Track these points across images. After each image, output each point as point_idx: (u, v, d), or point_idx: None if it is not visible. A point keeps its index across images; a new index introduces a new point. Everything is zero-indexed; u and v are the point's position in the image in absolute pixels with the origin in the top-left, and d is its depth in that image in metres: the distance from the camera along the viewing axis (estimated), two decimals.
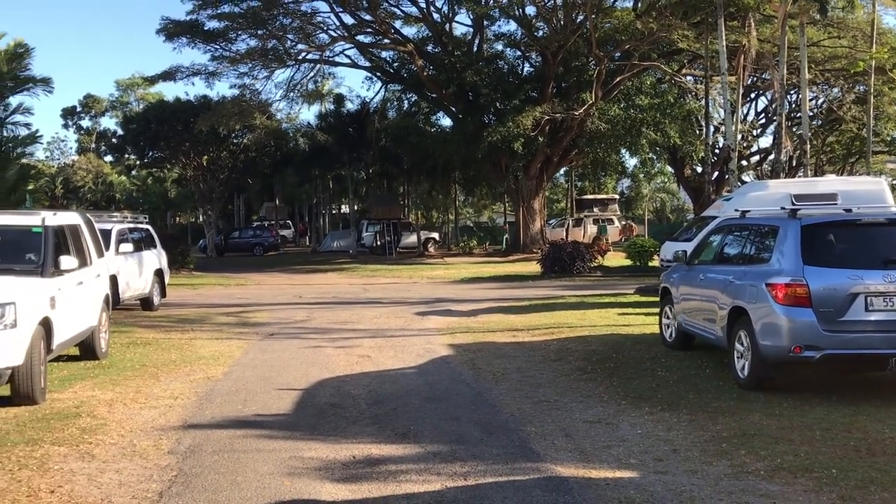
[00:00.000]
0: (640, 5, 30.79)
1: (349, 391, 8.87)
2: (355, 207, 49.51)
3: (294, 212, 68.47)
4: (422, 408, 8.02)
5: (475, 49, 38.34)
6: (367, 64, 40.37)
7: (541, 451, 6.44)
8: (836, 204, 9.24)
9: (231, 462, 6.24)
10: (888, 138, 35.33)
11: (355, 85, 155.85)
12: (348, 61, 40.01)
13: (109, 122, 76.27)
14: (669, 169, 47.04)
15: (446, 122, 42.50)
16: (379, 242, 43.83)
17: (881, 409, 7.34)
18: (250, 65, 36.52)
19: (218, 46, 36.54)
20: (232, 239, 48.62)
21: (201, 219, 54.47)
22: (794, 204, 8.72)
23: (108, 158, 72.83)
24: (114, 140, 66.02)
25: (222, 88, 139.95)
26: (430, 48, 39.44)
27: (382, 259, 39.34)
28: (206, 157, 44.31)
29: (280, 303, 19.40)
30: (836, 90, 36.14)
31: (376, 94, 44.68)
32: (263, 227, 52.88)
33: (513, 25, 37.84)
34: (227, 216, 63.54)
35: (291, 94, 39.50)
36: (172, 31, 35.28)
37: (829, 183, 14.97)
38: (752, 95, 40.16)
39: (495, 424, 7.34)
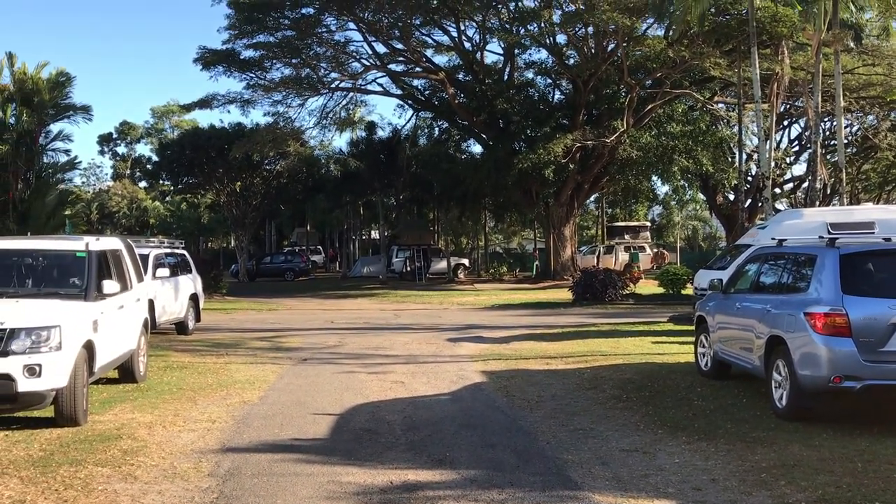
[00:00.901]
0: (671, 34, 30.82)
1: (384, 417, 8.91)
2: (385, 233, 49.70)
3: (325, 237, 68.94)
4: (457, 434, 8.04)
5: (506, 77, 38.59)
6: (399, 92, 40.83)
7: (578, 480, 6.43)
8: (873, 233, 9.18)
9: (270, 485, 6.30)
10: None
11: (387, 112, 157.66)
12: (380, 89, 40.55)
13: (144, 149, 77.87)
14: (701, 196, 46.73)
15: (477, 148, 42.80)
16: (409, 268, 43.97)
17: None
18: (284, 93, 37.08)
19: (253, 75, 37.18)
20: (263, 264, 49.04)
21: (233, 244, 55.07)
22: (830, 232, 8.68)
23: (143, 184, 74.13)
24: (148, 166, 67.18)
25: (256, 116, 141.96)
26: (461, 76, 39.79)
27: (412, 285, 39.43)
28: (239, 183, 44.88)
29: (312, 328, 19.54)
30: (871, 117, 35.82)
31: (408, 121, 45.20)
32: (294, 253, 53.27)
33: (543, 54, 38.13)
34: (259, 241, 64.17)
35: (324, 121, 40.04)
36: (209, 59, 35.97)
37: (866, 211, 14.82)
38: (785, 123, 39.92)
39: (532, 452, 7.34)
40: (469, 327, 19.08)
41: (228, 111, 46.68)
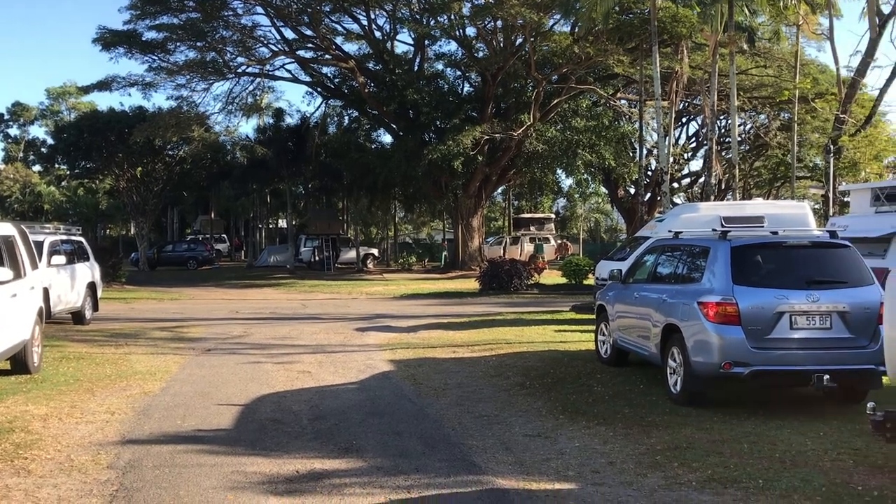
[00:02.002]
0: (577, 30, 31.54)
1: (290, 407, 8.86)
2: (293, 222, 49.06)
3: (230, 226, 67.47)
4: (364, 423, 8.08)
5: (416, 68, 38.66)
6: (308, 79, 40.36)
7: (482, 465, 6.57)
8: (762, 226, 9.69)
9: (172, 476, 6.20)
10: (811, 164, 36.85)
11: (295, 99, 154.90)
12: (289, 76, 39.99)
13: (39, 131, 74.09)
14: (604, 190, 48.06)
15: (387, 138, 42.75)
16: (317, 258, 43.57)
17: (805, 423, 7.70)
18: (188, 76, 36.10)
19: (156, 57, 36.04)
20: (165, 252, 47.66)
21: (134, 231, 53.26)
22: (723, 226, 9.11)
23: (37, 168, 70.61)
24: (43, 149, 64.08)
25: (159, 100, 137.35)
26: (371, 65, 39.58)
27: (321, 274, 39.09)
28: (140, 168, 43.40)
29: (216, 318, 19.16)
30: (762, 117, 37.56)
31: (317, 109, 44.75)
32: (198, 241, 51.96)
33: (453, 46, 38.34)
34: (161, 229, 62.27)
35: (230, 106, 39.21)
36: (109, 40, 34.63)
37: (757, 206, 15.59)
38: (684, 120, 41.46)
39: (437, 438, 7.45)
40: (377, 317, 19.10)
41: (129, 94, 44.93)
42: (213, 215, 60.09)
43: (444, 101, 36.38)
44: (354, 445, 7.18)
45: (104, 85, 36.38)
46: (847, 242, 8.71)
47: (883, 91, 25.98)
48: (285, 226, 53.54)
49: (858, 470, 6.22)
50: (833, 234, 8.98)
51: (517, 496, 5.75)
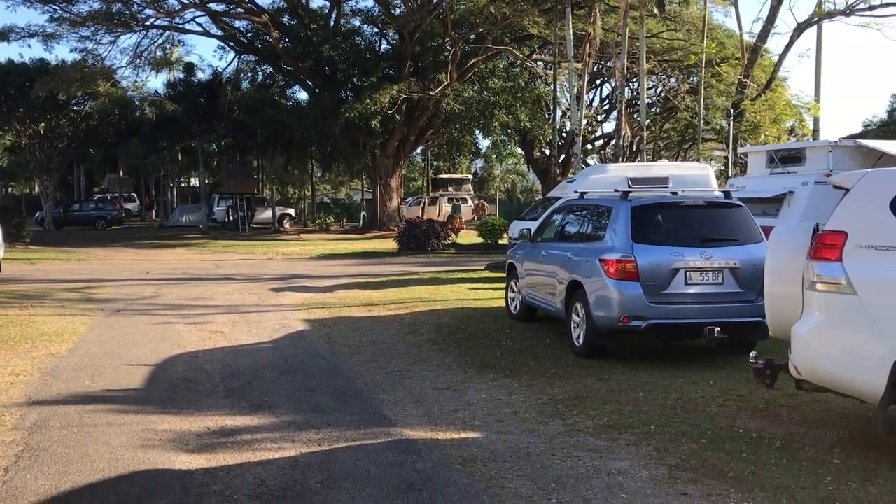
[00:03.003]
0: None
1: (202, 366, 8.88)
2: (206, 181, 47.94)
3: (140, 184, 65.43)
4: (277, 380, 8.19)
5: (332, 23, 38.06)
6: (220, 33, 39.19)
7: (392, 417, 6.79)
8: (667, 187, 10.12)
9: (81, 436, 6.20)
10: (717, 127, 38.04)
11: (207, 54, 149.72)
12: (200, 29, 38.71)
13: None
14: (520, 151, 48.58)
15: (303, 95, 42.06)
16: (231, 217, 42.84)
17: (696, 373, 8.20)
18: (93, 28, 34.58)
19: (57, 7, 34.36)
20: (72, 212, 45.97)
21: (38, 190, 51.09)
22: (630, 186, 9.49)
23: None
24: None
25: (62, 52, 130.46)
26: (286, 20, 38.74)
27: (235, 235, 38.49)
28: (43, 124, 41.50)
29: (126, 279, 18.76)
30: (672, 80, 38.49)
31: (229, 64, 43.61)
32: (106, 200, 50.30)
33: (370, 2, 38.05)
34: (67, 187, 59.86)
35: (138, 60, 37.75)
36: None
37: (662, 167, 16.13)
38: (597, 82, 42.12)
39: (349, 394, 7.64)
40: (294, 277, 19.06)
41: (29, 46, 42.75)
42: (121, 173, 58.15)
43: (362, 58, 35.97)
44: (266, 402, 7.29)
45: (1, 36, 34.52)
46: (739, 202, 9.21)
47: (782, 57, 26.99)
48: (198, 185, 52.27)
49: (741, 414, 6.70)
50: (727, 194, 9.47)
51: (424, 445, 5.99)
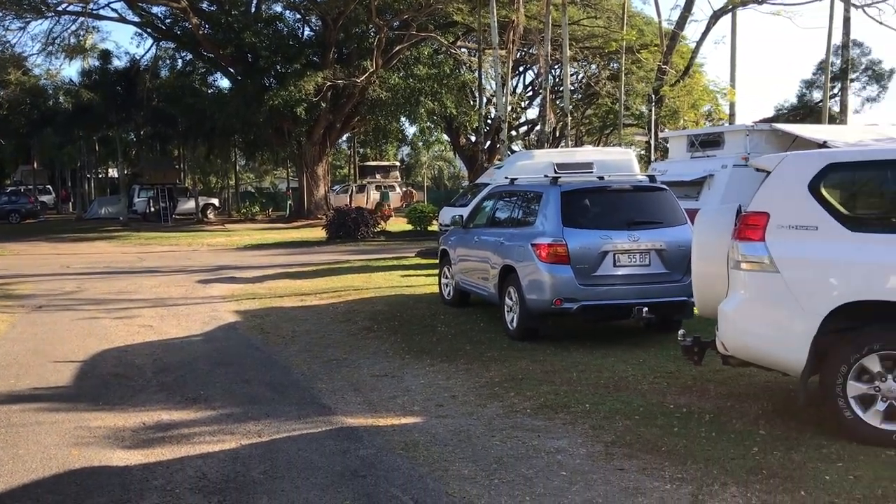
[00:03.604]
0: None
1: (133, 361, 8.70)
2: (125, 171, 46.52)
3: (55, 176, 62.92)
4: (211, 373, 8.08)
5: (253, 9, 37.28)
6: (137, 19, 37.95)
7: (332, 406, 6.80)
8: (592, 172, 10.36)
9: (10, 436, 6.01)
10: (637, 112, 38.92)
11: (123, 41, 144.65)
12: (115, 15, 37.37)
13: None
14: (446, 137, 48.72)
15: (225, 83, 41.17)
16: (153, 209, 41.75)
17: (626, 352, 8.45)
18: (1, 14, 33.03)
19: None
20: None
21: None
22: (556, 172, 9.67)
23: None
24: None
25: None
26: (205, 6, 37.74)
27: (157, 226, 37.53)
28: None
29: (45, 273, 18.14)
30: (593, 67, 39.16)
31: (147, 51, 42.10)
32: (19, 193, 48.19)
33: None
34: None
35: (50, 47, 36.31)
36: None
37: (587, 153, 16.49)
38: (521, 69, 42.51)
39: (286, 384, 7.60)
40: (221, 268, 18.74)
41: None
42: (35, 165, 55.80)
43: (284, 45, 35.40)
44: (202, 395, 7.20)
45: None
46: (664, 186, 9.49)
47: (699, 44, 27.79)
48: (117, 175, 50.66)
49: (671, 390, 6.94)
50: (652, 178, 9.74)
51: (365, 432, 6.03)
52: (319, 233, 28.10)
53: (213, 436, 6.05)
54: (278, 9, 38.98)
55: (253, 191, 61.04)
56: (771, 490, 4.66)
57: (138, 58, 41.74)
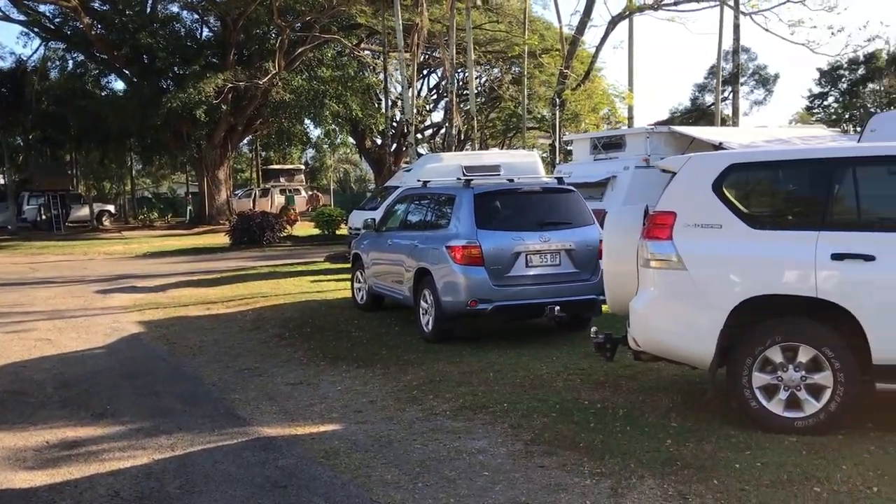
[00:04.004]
0: None
1: (30, 377, 8.28)
2: (13, 178, 44.20)
3: None
4: (117, 386, 7.78)
5: (148, 9, 36.10)
6: (23, 18, 36.14)
7: (247, 416, 6.65)
8: (499, 174, 10.49)
9: None
10: (539, 116, 39.66)
11: (8, 41, 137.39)
12: None
13: None
14: (351, 140, 48.40)
15: (120, 85, 39.75)
16: (44, 216, 39.81)
17: (541, 351, 8.59)
18: None
19: None
20: None
21: None
22: (465, 174, 9.75)
23: None
24: None
25: None
26: (97, 5, 36.27)
27: (50, 235, 35.78)
28: None
29: None
30: (496, 70, 39.68)
31: (35, 51, 40.33)
32: None
33: None
34: None
35: None
36: None
37: (493, 156, 16.73)
38: (425, 72, 42.69)
39: (198, 395, 7.38)
40: (120, 277, 18.05)
41: None
42: None
43: (182, 46, 34.48)
44: (109, 410, 6.92)
45: None
46: (572, 188, 9.70)
47: (598, 48, 28.50)
48: (4, 182, 48.08)
49: (585, 387, 7.10)
50: (560, 180, 9.95)
51: (284, 442, 5.92)
52: (222, 239, 27.42)
53: (124, 451, 5.82)
54: (175, 9, 37.96)
55: (150, 196, 59.05)
56: (686, 480, 4.83)
57: (25, 58, 39.91)
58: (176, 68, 33.77)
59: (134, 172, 53.83)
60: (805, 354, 5.47)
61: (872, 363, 5.31)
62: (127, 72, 36.21)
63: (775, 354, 5.54)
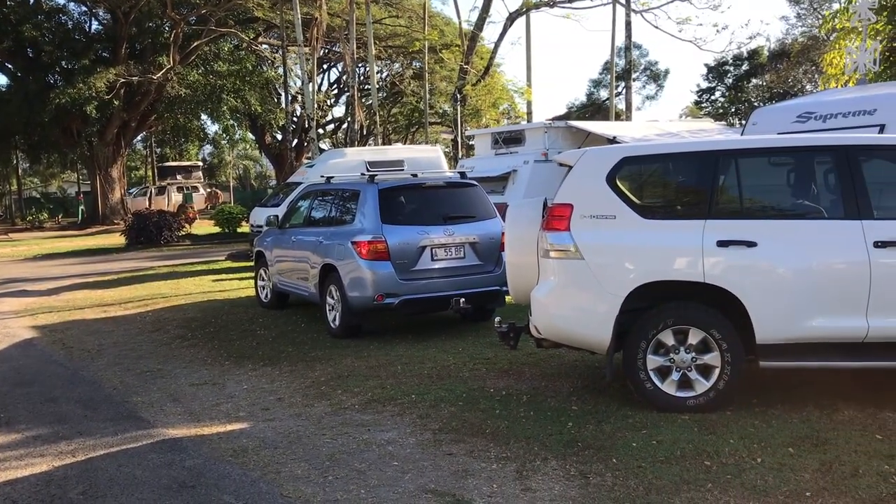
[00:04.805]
0: None
1: None
2: None
3: None
4: (10, 394, 7.48)
5: (32, 1, 34.42)
6: None
7: (150, 419, 6.52)
8: (403, 169, 10.59)
9: None
10: (441, 111, 39.97)
11: None
12: None
13: None
14: (251, 136, 47.56)
15: (2, 80, 37.90)
16: None
17: (447, 342, 8.75)
18: None
19: None
20: None
21: None
22: (369, 170, 9.80)
23: None
24: None
25: None
26: None
27: None
28: None
29: None
30: (397, 65, 39.77)
31: None
32: None
33: None
34: None
35: None
36: None
37: (397, 151, 16.78)
38: (326, 67, 42.34)
39: (98, 400, 7.19)
40: (9, 281, 17.24)
41: None
42: None
43: (70, 39, 33.13)
44: (2, 418, 6.66)
45: None
46: (475, 182, 9.89)
47: (497, 44, 28.99)
48: None
49: (490, 376, 7.29)
50: (463, 174, 10.12)
51: (190, 442, 5.85)
52: (118, 239, 26.52)
53: (21, 459, 5.63)
54: (61, 0, 36.31)
55: (39, 196, 56.40)
56: (586, 460, 5.05)
57: None
58: (63, 62, 32.46)
59: (20, 171, 51.24)
60: (695, 337, 5.79)
61: (756, 343, 5.68)
62: (10, 66, 34.47)
63: (667, 337, 5.84)
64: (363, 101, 35.33)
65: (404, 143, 40.56)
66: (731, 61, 50.35)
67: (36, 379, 8.07)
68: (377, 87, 33.18)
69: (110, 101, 31.88)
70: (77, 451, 5.77)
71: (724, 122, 30.19)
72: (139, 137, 46.16)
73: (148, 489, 4.97)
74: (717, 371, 5.76)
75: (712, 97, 54.07)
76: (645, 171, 6.43)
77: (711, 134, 16.10)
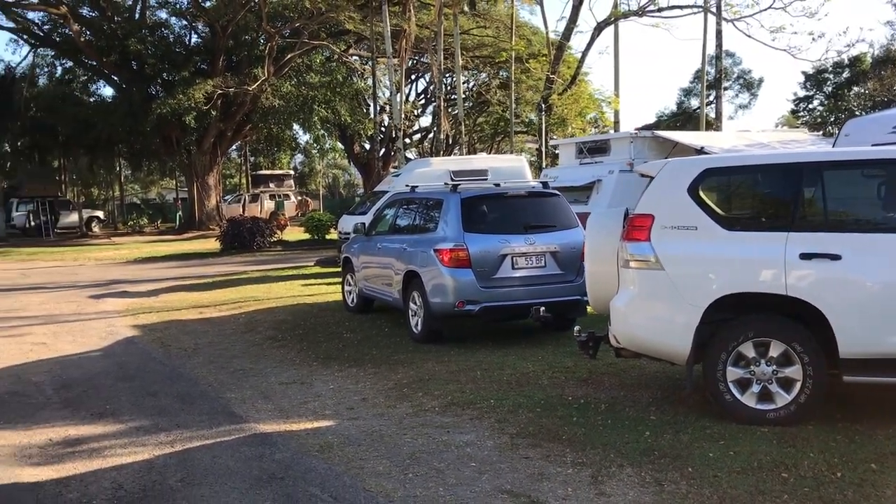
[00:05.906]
0: None
1: (29, 378, 8.48)
2: (2, 184, 44.22)
3: None
4: (115, 387, 7.98)
5: (137, 16, 36.27)
6: (12, 25, 36.23)
7: (243, 414, 6.88)
8: (486, 178, 10.76)
9: None
10: (527, 120, 39.99)
11: None
12: None
13: None
14: (340, 145, 48.62)
15: (108, 91, 40.05)
16: (34, 223, 39.91)
17: (527, 350, 8.86)
18: None
19: None
20: None
21: None
22: (453, 179, 10.01)
23: None
24: None
25: None
26: (86, 12, 36.44)
27: (39, 241, 35.89)
28: None
29: None
30: (483, 75, 40.01)
31: (24, 58, 40.36)
32: None
33: None
34: None
35: None
36: None
37: (481, 160, 16.98)
38: (413, 77, 42.99)
39: (194, 395, 7.61)
40: (112, 283, 18.21)
41: None
42: None
43: (171, 52, 34.70)
44: (108, 409, 7.13)
45: None
46: (556, 192, 9.98)
47: (584, 53, 28.76)
48: None
49: (569, 384, 7.37)
50: (545, 184, 10.23)
51: (279, 437, 6.15)
52: (213, 244, 27.59)
53: (125, 448, 6.04)
54: (164, 15, 38.15)
55: (139, 202, 59.15)
56: (662, 468, 5.10)
57: (14, 65, 39.96)
58: (165, 74, 34.00)
59: (123, 178, 53.85)
60: (776, 349, 5.75)
61: (839, 357, 5.60)
62: (116, 78, 36.38)
63: (748, 350, 5.82)
64: (449, 110, 35.79)
65: (489, 153, 40.77)
66: (830, 69, 48.55)
67: (137, 374, 8.58)
68: (463, 96, 33.55)
69: (208, 112, 33.22)
70: (175, 441, 6.14)
71: (820, 133, 29.24)
72: (234, 146, 47.84)
73: (240, 479, 5.27)
74: (798, 384, 5.71)
75: (810, 106, 52.28)
76: (727, 183, 6.42)
77: (804, 145, 15.68)
